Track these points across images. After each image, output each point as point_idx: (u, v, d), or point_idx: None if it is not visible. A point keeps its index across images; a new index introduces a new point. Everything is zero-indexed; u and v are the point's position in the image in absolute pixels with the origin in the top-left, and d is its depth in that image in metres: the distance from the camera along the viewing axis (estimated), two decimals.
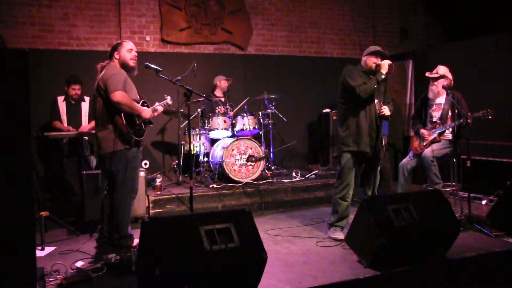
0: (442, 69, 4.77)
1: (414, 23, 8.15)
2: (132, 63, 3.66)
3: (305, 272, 3.23)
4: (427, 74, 4.87)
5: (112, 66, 3.60)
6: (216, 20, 6.76)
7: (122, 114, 3.47)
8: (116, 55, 3.64)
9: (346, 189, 4.01)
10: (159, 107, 3.97)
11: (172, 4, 6.50)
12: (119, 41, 3.73)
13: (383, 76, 3.85)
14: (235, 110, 6.12)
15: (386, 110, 3.95)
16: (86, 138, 5.22)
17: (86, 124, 5.30)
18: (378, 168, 4.09)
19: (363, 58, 4.07)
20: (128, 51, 3.64)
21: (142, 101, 3.76)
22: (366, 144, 3.91)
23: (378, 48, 4.04)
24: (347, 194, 4.02)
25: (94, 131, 5.01)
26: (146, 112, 3.66)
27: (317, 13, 7.44)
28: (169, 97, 4.09)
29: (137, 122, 3.60)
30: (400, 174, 4.87)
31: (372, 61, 3.98)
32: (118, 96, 3.40)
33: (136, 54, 3.70)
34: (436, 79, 4.75)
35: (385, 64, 3.88)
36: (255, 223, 2.86)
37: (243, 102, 6.12)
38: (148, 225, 2.58)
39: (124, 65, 3.64)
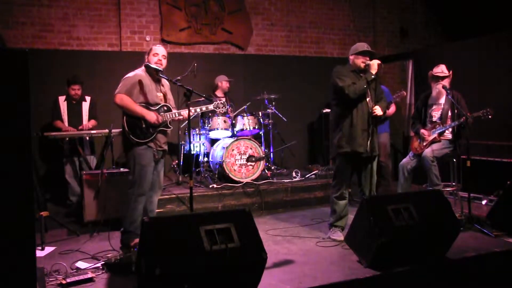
0: (445, 68, 4.75)
1: (414, 23, 8.15)
2: (155, 66, 3.72)
3: (305, 272, 3.23)
4: (433, 73, 4.78)
5: (136, 70, 3.76)
6: (216, 20, 6.77)
7: (125, 116, 3.64)
8: (146, 60, 3.75)
9: (342, 188, 4.03)
10: (198, 109, 4.02)
11: (172, 4, 6.51)
12: (151, 46, 3.84)
13: (372, 76, 3.84)
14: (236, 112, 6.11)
15: (378, 110, 3.88)
16: (88, 137, 5.23)
17: (86, 123, 5.31)
18: (375, 167, 4.05)
19: (351, 57, 4.03)
20: (154, 55, 3.73)
21: (161, 105, 3.77)
22: (359, 144, 3.89)
23: (365, 46, 3.98)
24: (343, 193, 4.04)
25: (94, 131, 5.07)
26: (150, 116, 3.65)
27: (317, 13, 7.45)
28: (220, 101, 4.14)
29: (142, 125, 3.64)
30: (400, 174, 4.86)
31: (360, 61, 3.95)
32: (117, 98, 3.61)
33: (162, 59, 3.73)
34: (444, 78, 4.72)
35: (374, 64, 3.85)
36: (255, 223, 2.86)
37: (243, 107, 6.09)
38: (148, 225, 2.58)
39: (148, 69, 3.75)
